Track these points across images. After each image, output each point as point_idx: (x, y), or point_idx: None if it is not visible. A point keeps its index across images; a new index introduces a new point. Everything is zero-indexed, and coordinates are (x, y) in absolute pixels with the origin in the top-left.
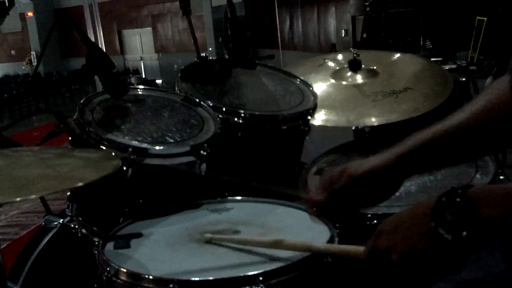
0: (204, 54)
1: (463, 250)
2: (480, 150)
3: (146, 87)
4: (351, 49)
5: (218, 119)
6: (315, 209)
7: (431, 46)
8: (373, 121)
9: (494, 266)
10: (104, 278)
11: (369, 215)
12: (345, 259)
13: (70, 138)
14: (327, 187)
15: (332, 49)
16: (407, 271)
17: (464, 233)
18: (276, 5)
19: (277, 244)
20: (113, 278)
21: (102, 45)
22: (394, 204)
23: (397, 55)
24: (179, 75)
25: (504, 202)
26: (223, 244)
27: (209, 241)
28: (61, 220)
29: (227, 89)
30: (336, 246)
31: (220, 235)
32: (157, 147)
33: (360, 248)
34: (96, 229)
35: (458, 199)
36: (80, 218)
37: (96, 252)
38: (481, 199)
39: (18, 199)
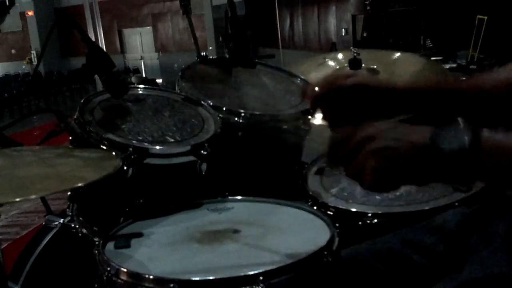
0: (204, 53)
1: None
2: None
3: (147, 86)
4: (351, 48)
5: (218, 118)
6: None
7: (431, 45)
8: None
9: (497, 265)
10: (105, 278)
11: (370, 215)
12: (345, 260)
13: (70, 137)
14: (332, 82)
15: (333, 48)
16: (363, 163)
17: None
18: (276, 4)
19: None
20: (114, 278)
21: (102, 44)
22: (394, 204)
23: (398, 54)
24: (180, 74)
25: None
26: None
27: None
28: (62, 220)
29: (228, 89)
30: None
31: None
32: (157, 147)
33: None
34: (96, 229)
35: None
36: (81, 218)
37: (96, 252)
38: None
39: (18, 199)
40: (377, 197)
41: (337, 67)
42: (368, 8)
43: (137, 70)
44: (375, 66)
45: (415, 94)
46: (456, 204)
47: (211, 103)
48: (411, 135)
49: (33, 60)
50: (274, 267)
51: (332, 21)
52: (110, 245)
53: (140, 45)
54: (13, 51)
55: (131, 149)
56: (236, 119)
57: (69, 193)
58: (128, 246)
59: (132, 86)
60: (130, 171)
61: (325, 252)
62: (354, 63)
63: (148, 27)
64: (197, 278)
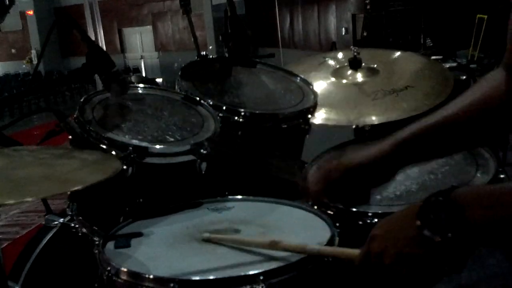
0: (204, 53)
1: (451, 250)
2: (471, 141)
3: (147, 85)
4: (351, 47)
5: (218, 117)
6: (312, 200)
7: (431, 44)
8: (374, 119)
9: (496, 266)
10: (105, 277)
11: (370, 214)
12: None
13: (70, 137)
14: (323, 180)
15: (333, 47)
16: (401, 274)
17: (449, 234)
18: (276, 3)
19: (273, 245)
20: (114, 278)
21: (102, 43)
22: (394, 204)
23: (398, 53)
24: (179, 73)
25: (490, 203)
26: (221, 243)
27: (207, 240)
28: (62, 219)
29: (227, 88)
30: (331, 248)
31: (217, 235)
32: (157, 146)
33: (356, 251)
34: (96, 228)
35: (442, 200)
36: (81, 218)
37: (96, 251)
38: (468, 200)
39: (16, 200)
40: (377, 196)
41: (337, 66)
42: (368, 7)
43: (137, 70)
44: (375, 65)
45: (399, 150)
46: None
47: (211, 102)
48: (405, 230)
49: (33, 59)
50: (274, 266)
51: (332, 20)
52: (110, 245)
53: (140, 45)
54: (13, 50)
55: (131, 148)
56: (236, 118)
57: (68, 192)
58: (128, 245)
59: (132, 85)
60: (130, 170)
61: None
62: (354, 62)
63: (148, 26)
64: (197, 278)
